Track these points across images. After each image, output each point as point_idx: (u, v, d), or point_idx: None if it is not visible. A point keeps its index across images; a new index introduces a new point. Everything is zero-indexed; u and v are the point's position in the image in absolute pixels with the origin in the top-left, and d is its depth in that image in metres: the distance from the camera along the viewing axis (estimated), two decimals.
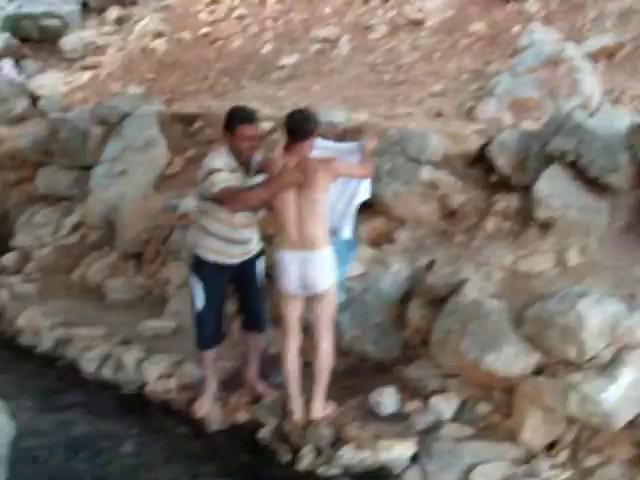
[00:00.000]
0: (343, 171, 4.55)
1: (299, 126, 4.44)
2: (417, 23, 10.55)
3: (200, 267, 4.85)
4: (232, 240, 4.74)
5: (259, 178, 4.67)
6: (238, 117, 4.64)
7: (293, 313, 4.59)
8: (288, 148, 4.49)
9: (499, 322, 4.40)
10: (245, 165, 4.64)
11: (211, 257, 4.79)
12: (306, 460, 4.47)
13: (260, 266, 5.00)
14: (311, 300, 4.55)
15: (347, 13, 11.57)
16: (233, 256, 4.81)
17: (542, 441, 4.25)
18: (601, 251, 5.10)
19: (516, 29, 9.47)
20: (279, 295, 4.58)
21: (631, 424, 4.08)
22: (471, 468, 4.16)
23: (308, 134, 4.44)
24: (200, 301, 4.85)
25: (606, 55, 8.48)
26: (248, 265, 4.92)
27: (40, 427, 5.15)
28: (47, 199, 9.05)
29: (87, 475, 4.57)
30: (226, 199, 4.50)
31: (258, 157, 4.75)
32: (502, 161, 5.79)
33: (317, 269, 4.41)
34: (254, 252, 4.93)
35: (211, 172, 4.54)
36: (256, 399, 5.00)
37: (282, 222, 4.43)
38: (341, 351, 5.08)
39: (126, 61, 12.75)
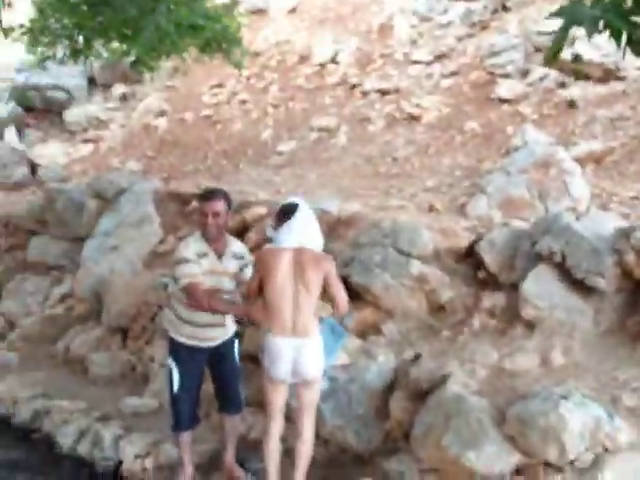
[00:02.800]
0: (332, 278, 4.48)
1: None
2: (414, 118, 10.85)
3: (175, 349, 4.85)
4: (200, 324, 4.73)
5: (232, 265, 4.75)
6: (200, 196, 4.86)
7: (279, 399, 4.55)
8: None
9: (481, 419, 4.38)
10: (216, 248, 4.70)
11: (183, 340, 4.79)
12: None
13: (236, 348, 5.00)
14: (298, 387, 4.53)
15: (346, 105, 11.88)
16: (205, 339, 4.80)
17: None
18: (585, 353, 5.14)
19: (510, 129, 9.75)
20: (266, 380, 4.53)
21: None
22: None
23: None
24: (176, 383, 4.82)
25: (595, 159, 8.72)
26: (224, 347, 4.91)
27: None
28: (37, 267, 9.08)
29: None
30: (189, 297, 4.61)
31: (235, 246, 4.84)
32: (490, 258, 5.90)
33: (310, 356, 4.41)
34: (229, 335, 4.93)
35: (179, 261, 4.63)
36: None
37: (276, 309, 4.41)
38: (322, 440, 5.05)
39: (127, 137, 13.00)
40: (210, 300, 4.58)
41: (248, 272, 4.80)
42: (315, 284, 4.41)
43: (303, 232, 4.45)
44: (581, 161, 8.40)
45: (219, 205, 4.66)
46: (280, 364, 4.41)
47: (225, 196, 4.74)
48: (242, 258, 4.84)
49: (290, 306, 4.38)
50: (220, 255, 4.71)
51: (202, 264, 4.61)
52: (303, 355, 4.39)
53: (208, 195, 4.77)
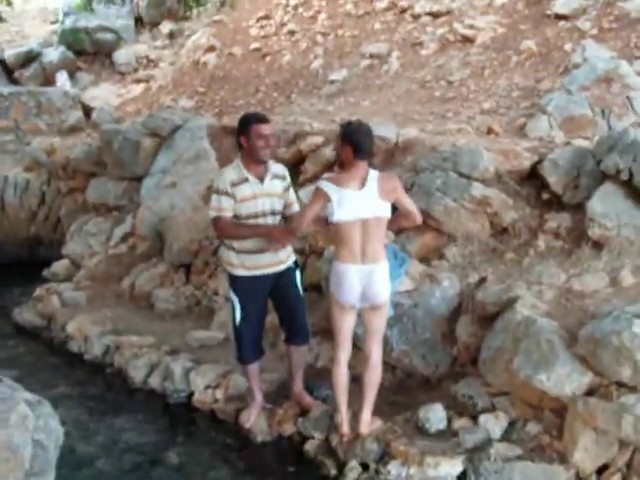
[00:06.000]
0: (401, 194, 4.46)
1: (369, 146, 4.41)
2: (467, 40, 10.54)
3: (234, 282, 4.86)
4: (253, 250, 4.72)
5: (276, 186, 4.74)
6: (251, 118, 4.75)
7: (347, 325, 4.56)
8: (348, 163, 4.39)
9: (551, 341, 4.32)
10: (257, 173, 4.69)
11: (239, 272, 4.80)
12: (352, 475, 4.43)
13: (297, 278, 4.98)
14: (366, 312, 4.52)
15: (397, 29, 11.61)
16: (260, 267, 4.77)
17: (593, 464, 4.15)
18: None
19: (568, 46, 9.40)
20: (335, 306, 4.53)
21: None
22: None
23: (371, 153, 4.48)
24: (238, 315, 4.86)
25: None
26: (284, 277, 4.89)
27: (87, 433, 5.22)
28: (98, 209, 9.23)
29: None
30: (216, 229, 4.77)
31: (275, 167, 4.81)
32: (554, 179, 5.76)
33: (379, 281, 4.39)
34: (287, 263, 4.89)
35: (212, 193, 4.75)
36: (303, 412, 4.99)
37: (346, 237, 4.36)
38: (389, 366, 5.08)
39: (177, 75, 12.96)
40: (233, 228, 4.68)
41: (292, 193, 4.87)
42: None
43: None
44: None
45: (273, 127, 4.71)
46: (350, 290, 4.40)
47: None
48: (284, 179, 4.84)
49: (359, 234, 4.33)
50: (261, 178, 4.70)
51: (239, 192, 4.63)
52: (373, 280, 4.37)
53: (265, 117, 4.76)
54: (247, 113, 5.02)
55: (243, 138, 4.65)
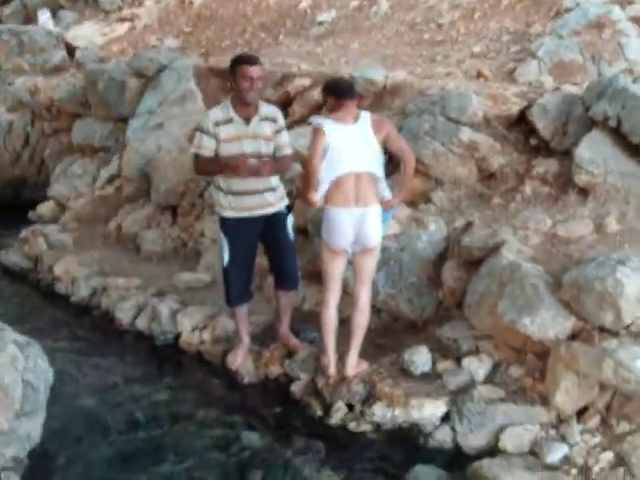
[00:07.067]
0: (394, 135, 4.49)
1: (348, 86, 4.53)
2: None
3: (223, 223, 4.87)
4: (240, 192, 4.71)
5: (263, 128, 4.68)
6: (239, 58, 4.71)
7: (338, 269, 4.59)
8: (335, 108, 4.47)
9: (536, 285, 4.36)
10: (245, 114, 4.65)
11: (227, 213, 4.80)
12: (338, 415, 4.51)
13: (289, 223, 4.96)
14: (357, 256, 4.55)
15: None
16: (248, 208, 4.76)
17: (574, 406, 4.23)
18: None
19: None
20: (326, 251, 4.56)
21: None
22: (501, 429, 4.17)
23: (355, 93, 4.48)
24: (226, 257, 4.87)
25: None
26: (275, 221, 4.88)
27: (75, 374, 5.25)
28: (83, 150, 9.12)
29: (119, 420, 4.64)
30: (194, 165, 4.85)
31: (265, 109, 4.75)
32: (542, 124, 5.75)
33: (372, 224, 4.44)
34: (277, 206, 4.87)
35: (195, 130, 4.80)
36: (289, 353, 5.04)
37: (340, 182, 4.38)
38: (375, 309, 5.11)
39: (163, 14, 12.71)
40: (207, 164, 4.72)
41: (283, 136, 4.78)
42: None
43: None
44: (638, 21, 8.00)
45: (261, 69, 4.63)
46: (343, 234, 4.43)
47: (261, 62, 4.72)
48: (274, 121, 4.75)
49: (353, 179, 4.37)
50: (248, 120, 4.65)
51: (222, 131, 4.61)
52: (366, 223, 4.41)
53: (252, 59, 4.70)
54: (238, 54, 4.97)
55: (231, 79, 4.65)
